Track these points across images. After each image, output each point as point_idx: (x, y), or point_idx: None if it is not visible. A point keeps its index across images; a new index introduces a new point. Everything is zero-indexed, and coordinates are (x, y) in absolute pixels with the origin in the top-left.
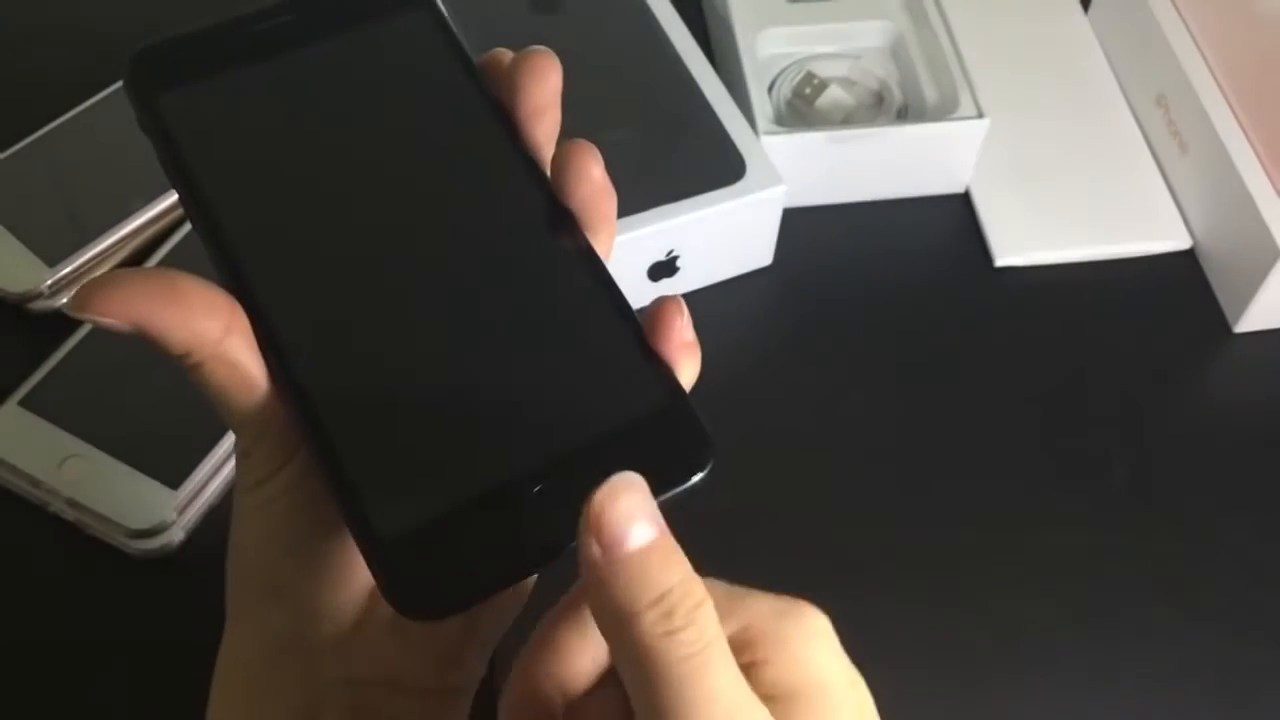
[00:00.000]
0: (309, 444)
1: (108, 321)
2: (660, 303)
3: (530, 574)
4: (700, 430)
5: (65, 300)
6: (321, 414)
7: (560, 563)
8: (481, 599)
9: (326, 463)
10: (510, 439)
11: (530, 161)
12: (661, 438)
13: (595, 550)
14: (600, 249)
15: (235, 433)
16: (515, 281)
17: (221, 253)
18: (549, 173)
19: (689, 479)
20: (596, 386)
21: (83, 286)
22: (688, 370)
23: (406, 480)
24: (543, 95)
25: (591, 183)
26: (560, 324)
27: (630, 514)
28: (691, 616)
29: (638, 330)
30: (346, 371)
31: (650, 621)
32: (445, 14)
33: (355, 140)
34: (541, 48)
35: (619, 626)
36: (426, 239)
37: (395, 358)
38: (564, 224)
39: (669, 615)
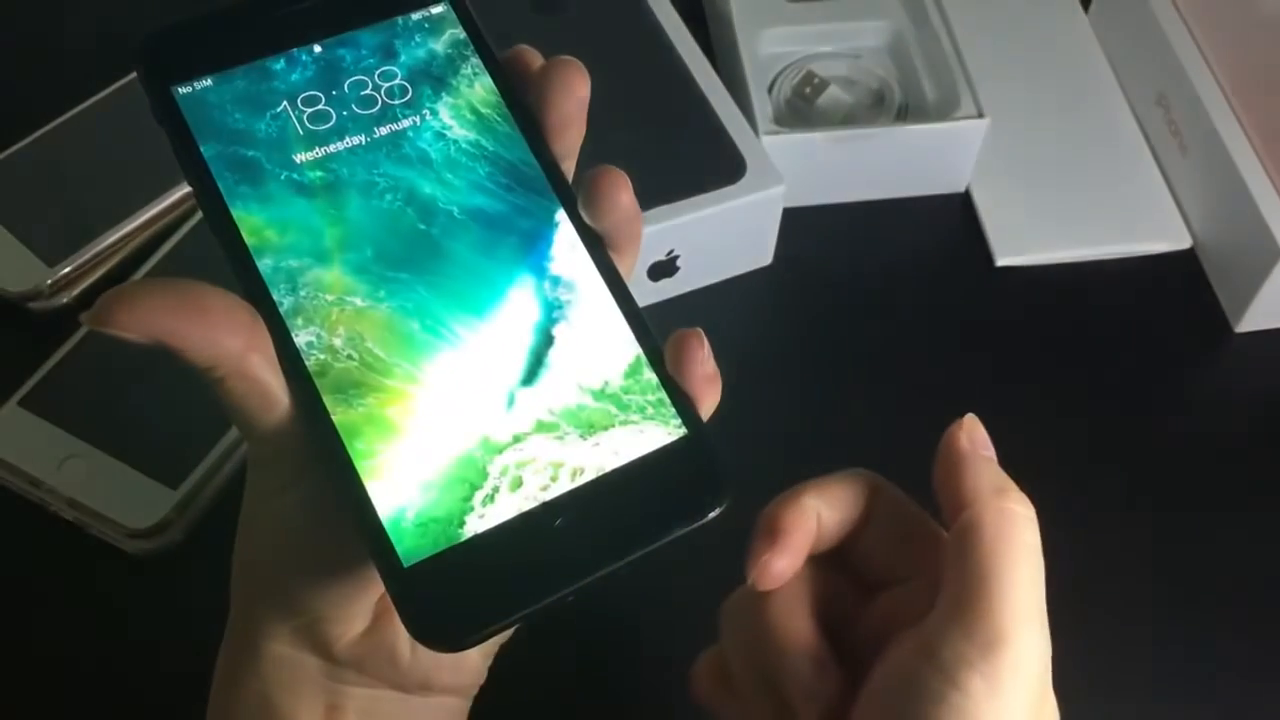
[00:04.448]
0: (326, 467)
1: (128, 336)
2: (680, 335)
3: (550, 604)
4: (719, 464)
5: (83, 314)
6: (342, 439)
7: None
8: (500, 629)
9: (346, 489)
10: (534, 470)
11: (556, 173)
12: (681, 471)
13: (966, 442)
14: (624, 267)
15: (251, 445)
16: (541, 306)
17: (237, 256)
18: (576, 192)
19: (707, 514)
20: (618, 420)
21: (102, 298)
22: (708, 401)
23: (427, 510)
24: (569, 106)
25: (621, 210)
26: (584, 352)
27: (986, 437)
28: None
29: (661, 361)
30: (366, 394)
31: (1014, 498)
32: (470, 7)
33: (378, 136)
34: (569, 58)
35: (985, 497)
36: (452, 251)
37: (415, 380)
38: (591, 247)
39: (1022, 500)
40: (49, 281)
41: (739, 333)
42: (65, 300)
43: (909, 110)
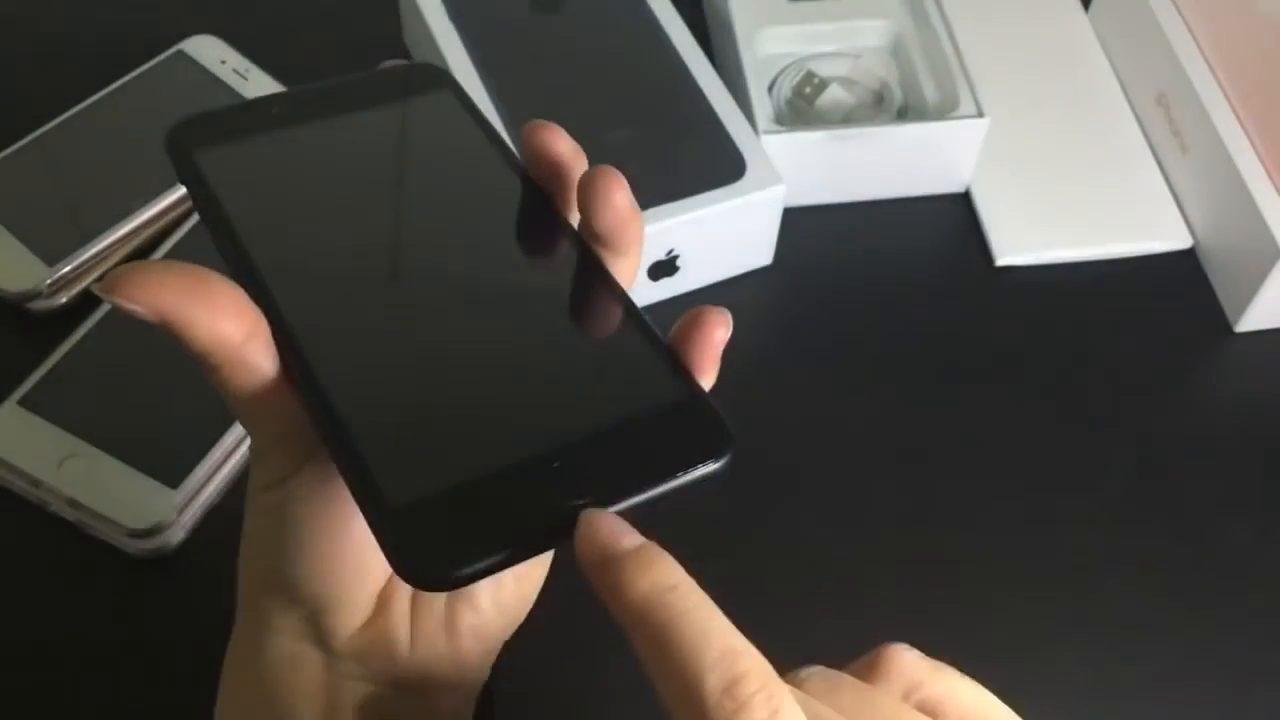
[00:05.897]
0: (321, 430)
1: (134, 308)
2: (705, 311)
3: (541, 551)
4: (718, 420)
5: (94, 283)
6: (339, 406)
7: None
8: (487, 572)
9: (336, 438)
10: (526, 422)
11: (550, 206)
12: (681, 425)
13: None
14: (628, 269)
15: (251, 434)
16: (532, 293)
17: (242, 267)
18: (576, 194)
19: (706, 466)
20: (613, 377)
21: (114, 270)
22: (705, 380)
23: (417, 453)
24: (612, 219)
25: (615, 210)
26: (576, 324)
27: (613, 528)
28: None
29: (653, 332)
30: (368, 379)
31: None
32: (466, 93)
33: (380, 200)
34: (606, 169)
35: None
36: (454, 269)
37: (416, 357)
38: (579, 247)
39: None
40: (49, 281)
41: (739, 333)
42: (65, 300)
43: (909, 110)
